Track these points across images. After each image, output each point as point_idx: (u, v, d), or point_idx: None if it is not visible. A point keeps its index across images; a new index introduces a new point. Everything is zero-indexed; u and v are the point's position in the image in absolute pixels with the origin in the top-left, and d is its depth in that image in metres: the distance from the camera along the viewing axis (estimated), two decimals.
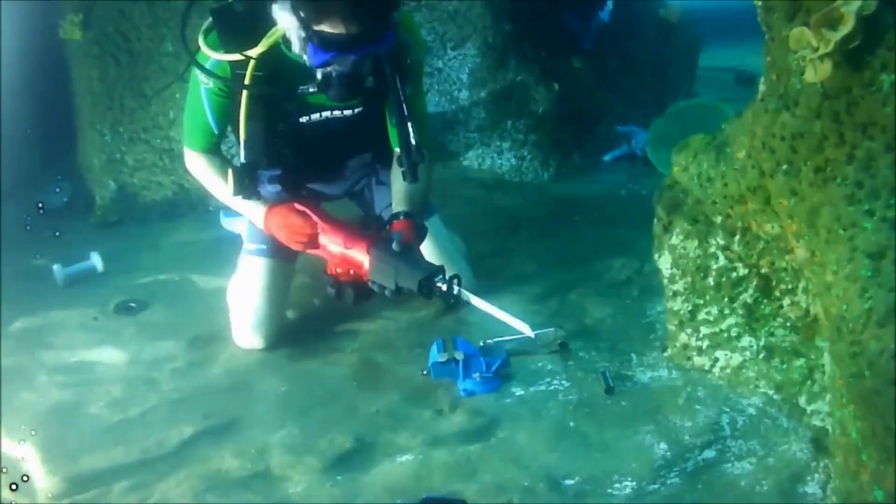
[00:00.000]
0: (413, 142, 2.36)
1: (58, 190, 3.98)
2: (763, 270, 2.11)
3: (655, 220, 2.38)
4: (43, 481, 2.04)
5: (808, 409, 2.04)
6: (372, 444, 2.12)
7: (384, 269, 2.16)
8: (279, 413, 2.28)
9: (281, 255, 2.58)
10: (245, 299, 2.61)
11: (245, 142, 2.26)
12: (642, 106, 4.79)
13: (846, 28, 1.57)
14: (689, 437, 2.04)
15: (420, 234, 2.39)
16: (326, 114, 2.40)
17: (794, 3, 1.78)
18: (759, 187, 1.99)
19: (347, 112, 2.41)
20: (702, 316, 2.26)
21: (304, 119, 2.39)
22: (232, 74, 2.22)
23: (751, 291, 2.14)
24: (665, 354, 2.40)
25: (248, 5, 2.19)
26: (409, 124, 2.35)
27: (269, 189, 2.50)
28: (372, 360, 2.51)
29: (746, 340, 2.17)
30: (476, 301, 2.15)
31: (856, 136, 1.67)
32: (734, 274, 2.16)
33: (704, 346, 2.28)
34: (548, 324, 2.56)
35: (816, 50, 1.62)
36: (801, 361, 2.08)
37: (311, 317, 2.78)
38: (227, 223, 2.97)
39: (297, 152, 2.47)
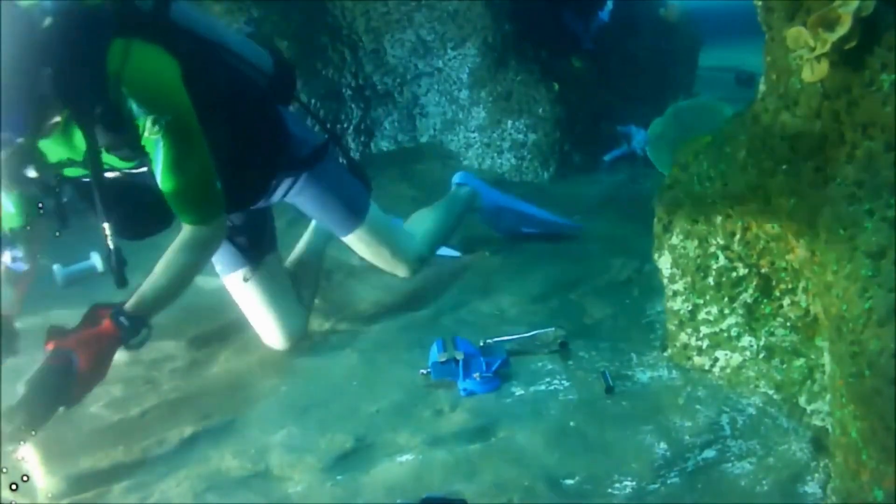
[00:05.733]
0: (107, 235, 1.98)
1: (58, 190, 3.96)
2: (763, 270, 2.11)
3: (655, 220, 2.38)
4: (43, 481, 2.04)
5: (808, 408, 2.04)
6: (372, 444, 2.12)
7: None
8: (279, 413, 2.28)
9: (251, 258, 2.51)
10: (253, 319, 2.58)
11: None
12: (642, 106, 4.79)
13: (843, 29, 1.57)
14: (689, 437, 2.04)
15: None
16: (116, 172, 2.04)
17: (794, 3, 1.78)
18: (759, 187, 1.99)
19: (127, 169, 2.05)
20: (702, 316, 2.26)
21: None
22: None
23: (751, 291, 2.14)
24: (665, 354, 2.40)
25: None
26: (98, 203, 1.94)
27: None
28: (372, 360, 2.51)
29: (746, 340, 2.17)
30: None
31: (856, 136, 1.67)
32: (734, 274, 2.16)
33: (704, 346, 2.27)
34: (548, 324, 2.56)
35: (813, 50, 1.62)
36: (801, 361, 2.07)
37: (311, 317, 2.77)
38: None
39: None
